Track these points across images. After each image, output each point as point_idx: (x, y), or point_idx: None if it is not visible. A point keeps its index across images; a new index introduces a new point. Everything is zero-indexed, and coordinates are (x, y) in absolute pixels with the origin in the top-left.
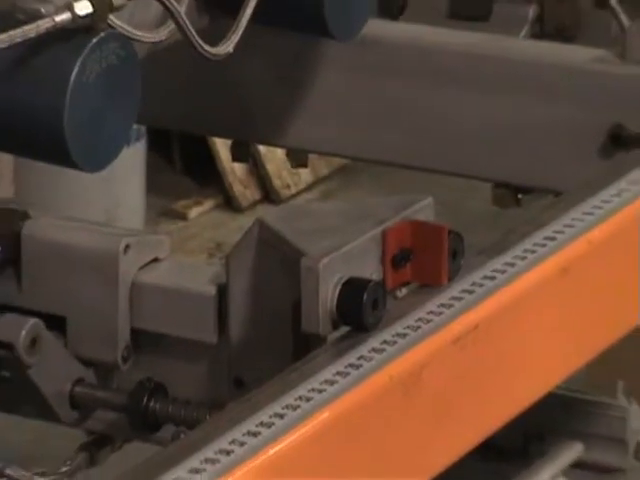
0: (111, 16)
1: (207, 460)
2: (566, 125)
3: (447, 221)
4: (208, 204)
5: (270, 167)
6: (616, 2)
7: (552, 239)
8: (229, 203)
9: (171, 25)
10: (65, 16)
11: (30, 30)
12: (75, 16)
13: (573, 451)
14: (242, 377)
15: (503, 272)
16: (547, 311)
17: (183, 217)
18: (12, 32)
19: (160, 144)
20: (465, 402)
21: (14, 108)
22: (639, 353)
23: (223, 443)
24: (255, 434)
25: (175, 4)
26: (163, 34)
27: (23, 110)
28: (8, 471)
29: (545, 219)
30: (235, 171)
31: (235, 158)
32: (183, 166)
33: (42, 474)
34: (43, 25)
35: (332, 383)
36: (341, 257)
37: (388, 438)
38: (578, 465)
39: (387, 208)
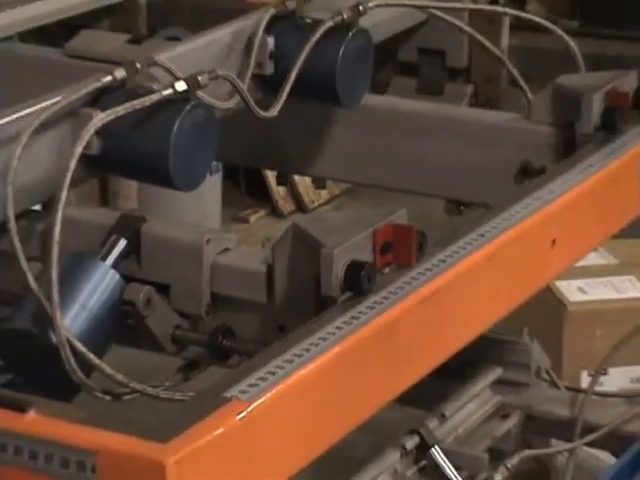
0: (199, 91)
1: (260, 378)
2: (492, 161)
3: (415, 224)
4: (261, 213)
5: (301, 189)
6: (524, 83)
7: (483, 235)
8: (275, 212)
9: (237, 97)
10: (169, 91)
11: (147, 100)
12: (176, 91)
13: (495, 373)
14: (283, 324)
15: (452, 256)
16: (479, 282)
17: (246, 221)
18: (136, 101)
19: (231, 174)
20: (427, 342)
21: (136, 150)
22: (540, 309)
23: (270, 367)
24: (290, 361)
25: (240, 84)
26: (232, 103)
27: (142, 151)
28: (132, 384)
29: (479, 222)
30: (279, 191)
31: (279, 182)
32: (246, 188)
33: (154, 387)
34: (155, 97)
35: (340, 329)
36: (347, 248)
37: (376, 366)
38: (498, 382)
39: (377, 216)
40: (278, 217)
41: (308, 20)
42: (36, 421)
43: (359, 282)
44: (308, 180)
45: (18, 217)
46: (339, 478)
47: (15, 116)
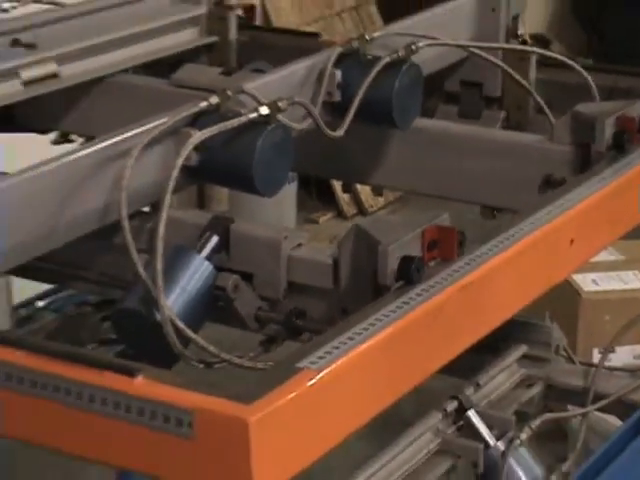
0: (278, 115)
1: (326, 352)
2: (521, 174)
3: (456, 225)
4: (329, 215)
5: (362, 195)
6: (548, 110)
7: (512, 235)
8: (340, 215)
9: (310, 120)
10: (254, 115)
11: (236, 122)
12: (260, 115)
13: (521, 349)
14: (346, 308)
15: (487, 253)
16: (509, 274)
17: (316, 222)
18: (227, 122)
19: (304, 183)
20: (465, 323)
21: (226, 163)
22: (559, 297)
23: (335, 343)
24: (352, 338)
25: (313, 109)
26: (306, 124)
27: (231, 164)
28: (222, 355)
29: (509, 225)
30: (344, 197)
31: (344, 190)
32: (316, 195)
33: (239, 357)
34: (243, 119)
35: (394, 312)
36: (400, 244)
37: (423, 343)
38: (524, 357)
39: (424, 218)
40: (343, 219)
41: (369, 57)
42: (143, 384)
43: (409, 273)
44: (368, 188)
45: (131, 217)
46: (390, 436)
47: (129, 134)
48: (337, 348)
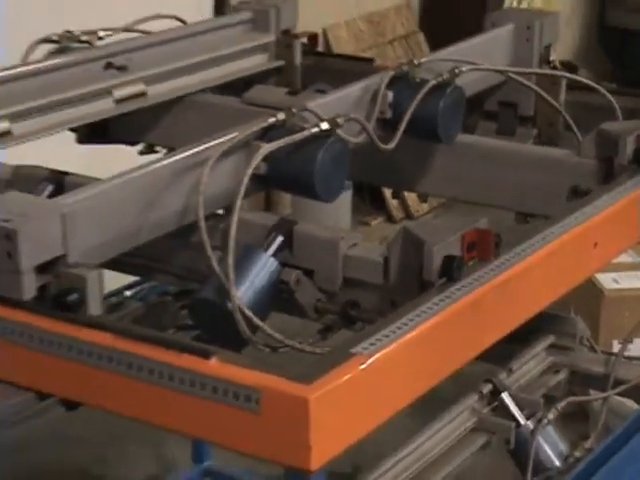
0: (337, 130)
1: (377, 339)
2: (551, 185)
3: (493, 229)
4: (380, 219)
5: (409, 202)
6: (576, 128)
7: (543, 239)
8: (389, 219)
9: (364, 134)
10: (316, 129)
11: (300, 136)
12: (321, 130)
13: (549, 339)
14: (395, 300)
15: (520, 254)
16: (540, 272)
17: (368, 225)
18: (292, 136)
19: (358, 190)
20: (500, 316)
21: (291, 172)
22: (583, 294)
23: (385, 331)
24: (400, 328)
25: (367, 125)
26: (361, 138)
27: (295, 173)
28: (286, 341)
29: (540, 229)
30: (393, 203)
31: (393, 197)
32: (369, 201)
33: (300, 343)
34: (306, 134)
35: (437, 305)
36: (443, 245)
37: (462, 332)
38: (551, 346)
39: (465, 222)
40: (392, 222)
41: (418, 80)
42: (216, 365)
43: (451, 271)
44: (414, 195)
45: (206, 218)
46: (432, 414)
47: (206, 145)
48: (387, 336)
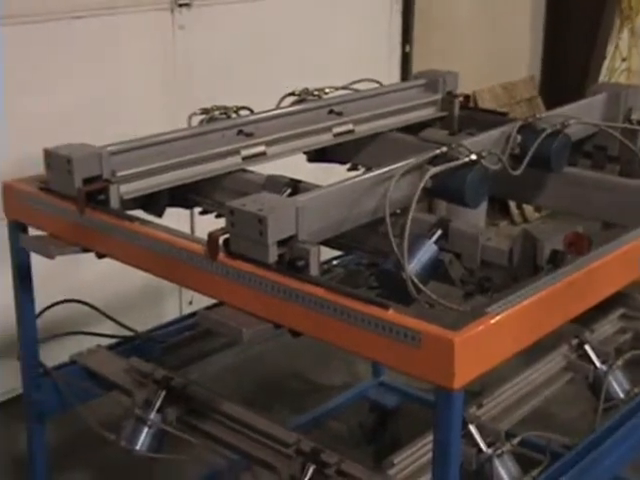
0: (481, 160)
1: (503, 303)
2: (629, 203)
3: (586, 233)
4: (504, 223)
5: (527, 211)
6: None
7: (623, 242)
8: (512, 222)
9: (500, 164)
10: (466, 159)
11: (456, 163)
12: (470, 160)
13: (621, 310)
14: (516, 278)
15: (605, 251)
16: (618, 264)
17: (497, 226)
18: (451, 164)
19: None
20: (587, 292)
21: (450, 187)
22: None
23: (509, 298)
24: (519, 297)
25: (502, 157)
26: (497, 167)
27: (452, 188)
28: (440, 300)
29: (620, 234)
30: (515, 212)
31: (516, 207)
32: (498, 209)
33: (450, 302)
34: (460, 162)
35: (546, 283)
36: (551, 242)
37: (562, 302)
38: (622, 316)
39: (566, 227)
40: (514, 225)
41: (538, 128)
42: (392, 314)
43: (556, 260)
44: (531, 207)
45: (391, 215)
46: (537, 358)
47: (393, 167)
48: (510, 302)
